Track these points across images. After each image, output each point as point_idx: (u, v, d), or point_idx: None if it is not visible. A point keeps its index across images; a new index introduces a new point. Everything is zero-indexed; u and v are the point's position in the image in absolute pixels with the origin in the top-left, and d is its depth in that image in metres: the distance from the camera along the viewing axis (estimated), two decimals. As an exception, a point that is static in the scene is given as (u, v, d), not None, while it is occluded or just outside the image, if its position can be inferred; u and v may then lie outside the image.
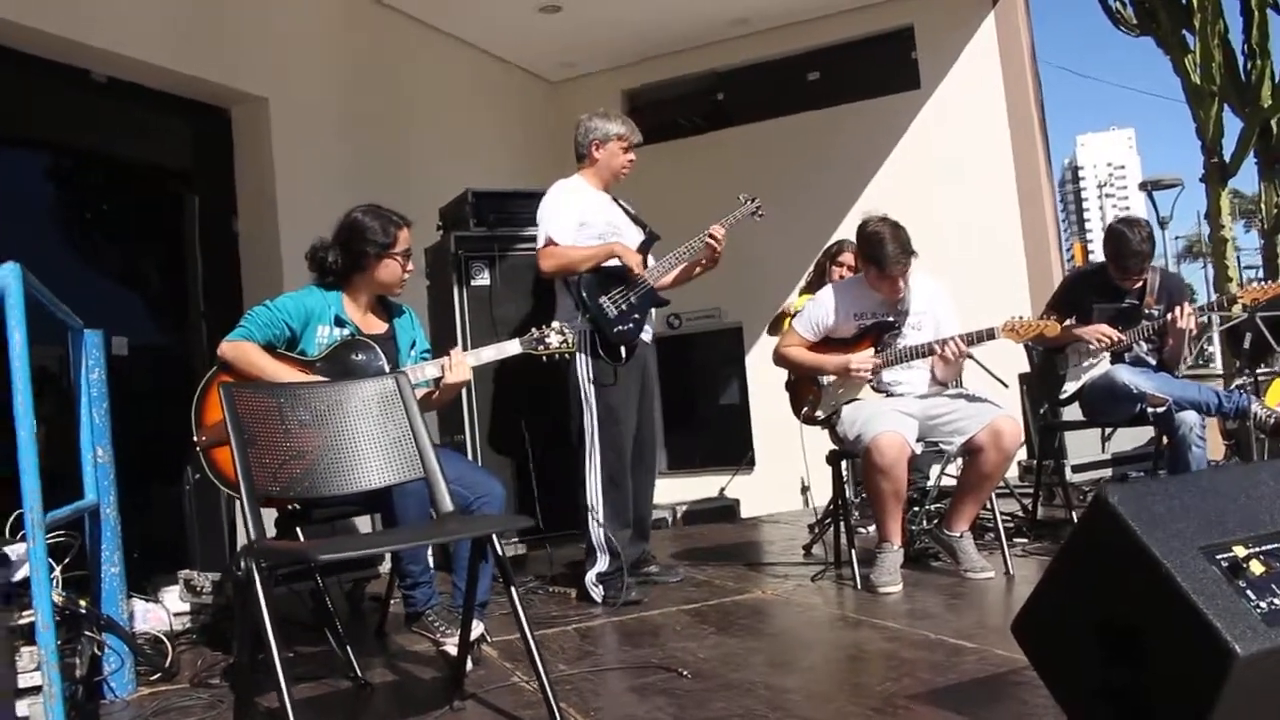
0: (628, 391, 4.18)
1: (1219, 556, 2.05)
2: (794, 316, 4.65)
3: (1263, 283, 4.25)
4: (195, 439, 3.20)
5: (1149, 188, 12.60)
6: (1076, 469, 5.66)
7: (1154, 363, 4.46)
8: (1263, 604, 1.98)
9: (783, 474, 7.88)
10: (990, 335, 4.02)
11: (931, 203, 8.13)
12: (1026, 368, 5.59)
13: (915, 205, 8.17)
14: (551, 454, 4.72)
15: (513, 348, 3.47)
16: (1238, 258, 9.75)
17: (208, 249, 6.57)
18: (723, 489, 8.47)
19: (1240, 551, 2.06)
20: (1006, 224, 8.20)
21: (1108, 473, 5.82)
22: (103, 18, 5.46)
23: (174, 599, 4.41)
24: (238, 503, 3.15)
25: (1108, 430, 5.53)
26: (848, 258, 5.77)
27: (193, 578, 4.25)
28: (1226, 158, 8.70)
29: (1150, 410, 4.12)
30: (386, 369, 3.37)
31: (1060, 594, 2.23)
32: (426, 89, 7.87)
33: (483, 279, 4.98)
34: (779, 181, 8.22)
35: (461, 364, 3.37)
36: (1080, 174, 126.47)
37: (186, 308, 6.51)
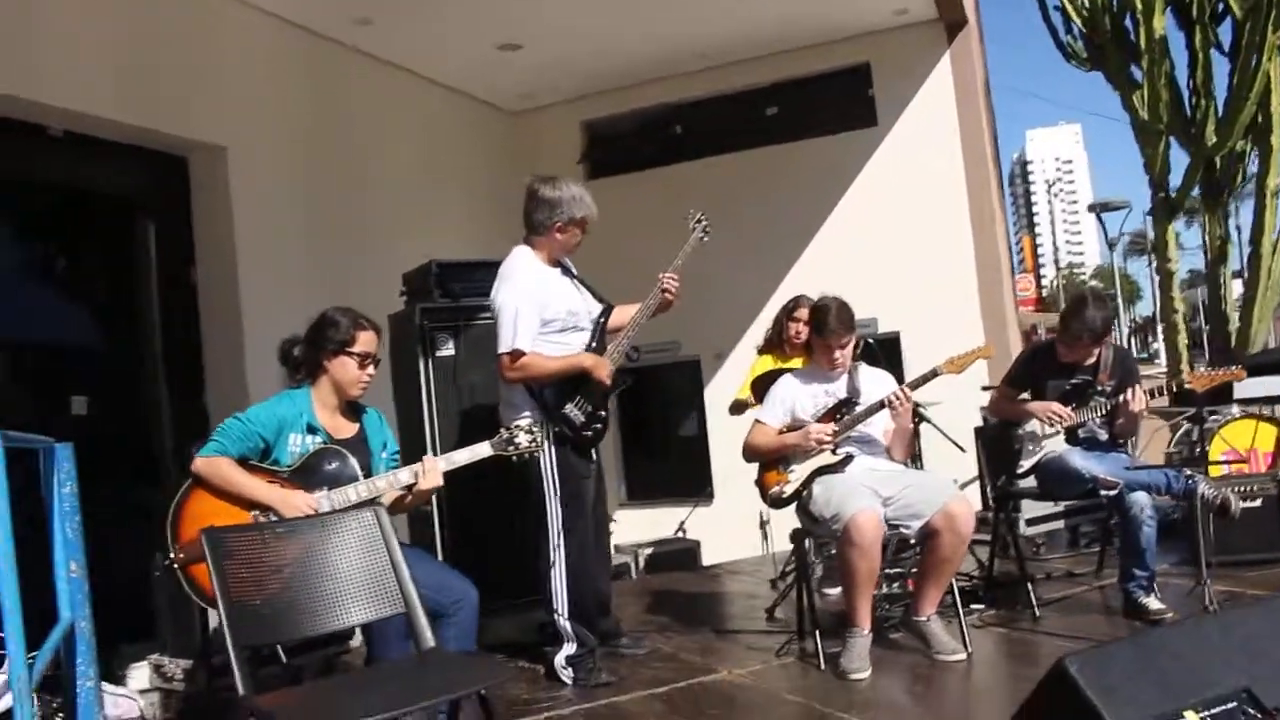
0: (591, 482, 4.24)
1: (1172, 722, 2.17)
2: (758, 401, 4.73)
3: (1210, 370, 4.40)
4: (171, 556, 3.22)
5: (1098, 210, 12.89)
6: (1030, 522, 5.82)
7: (1105, 436, 4.61)
8: (1213, 773, 2.10)
9: (741, 507, 7.97)
10: (934, 374, 4.23)
11: (887, 238, 8.26)
12: (981, 422, 5.73)
13: (871, 240, 8.33)
14: (504, 520, 4.75)
15: (484, 450, 3.53)
16: (1180, 282, 10.00)
17: (166, 300, 6.50)
18: (683, 522, 8.55)
19: (1191, 718, 2.18)
20: (960, 259, 8.32)
21: (1060, 524, 5.99)
22: (56, 73, 5.39)
23: (141, 679, 4.43)
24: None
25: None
26: (803, 313, 5.85)
27: (163, 664, 4.27)
28: (1173, 192, 8.93)
29: (1102, 492, 4.26)
30: (360, 476, 3.41)
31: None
32: (386, 126, 7.84)
33: (447, 349, 5.02)
34: (736, 215, 8.26)
35: (434, 470, 3.42)
36: (1029, 168, 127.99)
37: (143, 362, 6.45)
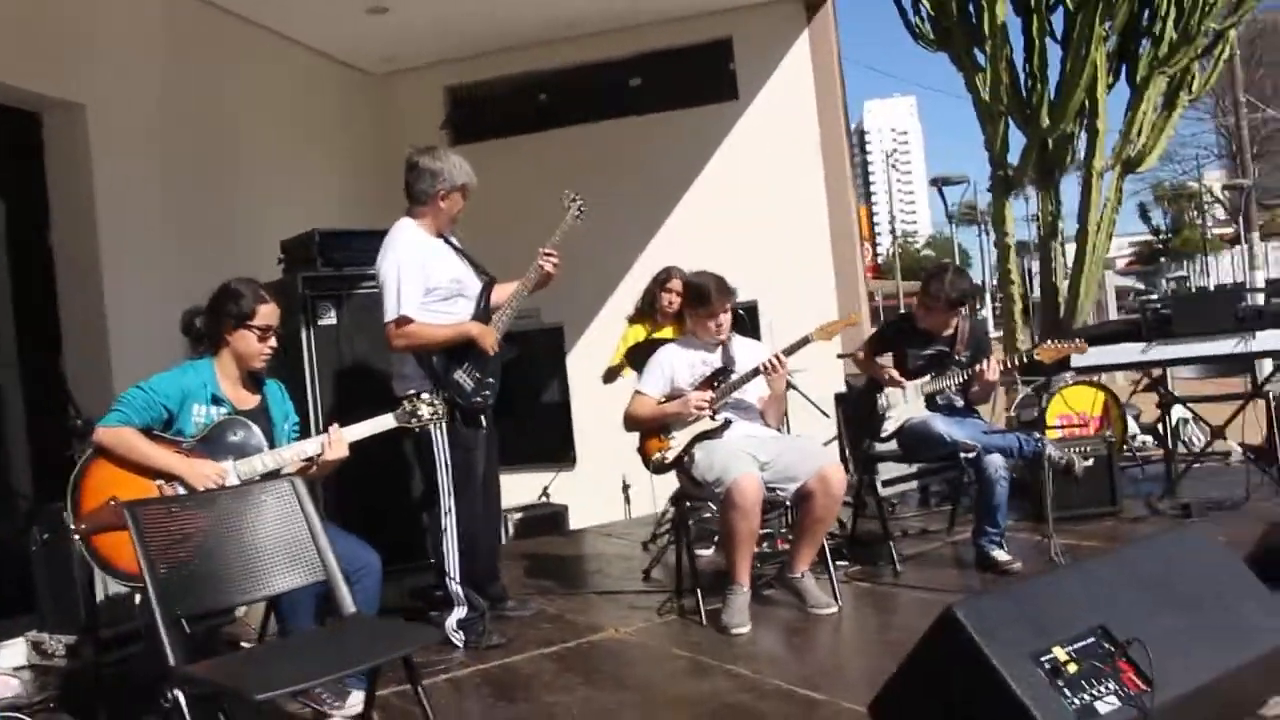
0: (480, 450, 4.34)
1: (1042, 659, 2.44)
2: (634, 369, 4.90)
3: (1056, 343, 4.79)
4: (73, 527, 3.18)
5: (939, 184, 13.62)
6: (886, 483, 6.18)
7: (961, 403, 4.98)
8: (1076, 700, 2.39)
9: (603, 474, 8.17)
10: (806, 340, 4.52)
11: (745, 209, 8.53)
12: (843, 389, 6.05)
13: (730, 211, 8.59)
14: (387, 486, 4.82)
15: (387, 422, 3.59)
16: (1017, 251, 10.57)
17: (18, 263, 6.24)
18: (546, 487, 8.69)
19: (1059, 654, 2.46)
20: (816, 230, 8.68)
21: (914, 485, 6.39)
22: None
23: (16, 656, 4.32)
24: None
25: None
26: (675, 284, 6.05)
27: (42, 640, 4.18)
28: (1009, 171, 9.45)
29: (962, 455, 4.61)
30: (265, 446, 3.44)
31: (912, 687, 2.59)
32: (248, 87, 7.66)
33: (329, 318, 5.01)
34: (600, 184, 8.33)
35: (340, 441, 3.47)
36: (867, 139, 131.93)
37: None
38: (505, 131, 9.26)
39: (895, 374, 4.88)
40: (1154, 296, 12.76)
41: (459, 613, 4.23)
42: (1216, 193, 30.24)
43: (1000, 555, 4.75)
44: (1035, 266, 10.79)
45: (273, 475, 3.34)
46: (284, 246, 5.27)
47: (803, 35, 8.57)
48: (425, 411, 3.59)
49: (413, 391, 3.85)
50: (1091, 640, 2.52)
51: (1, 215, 6.21)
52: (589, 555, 6.24)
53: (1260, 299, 7.23)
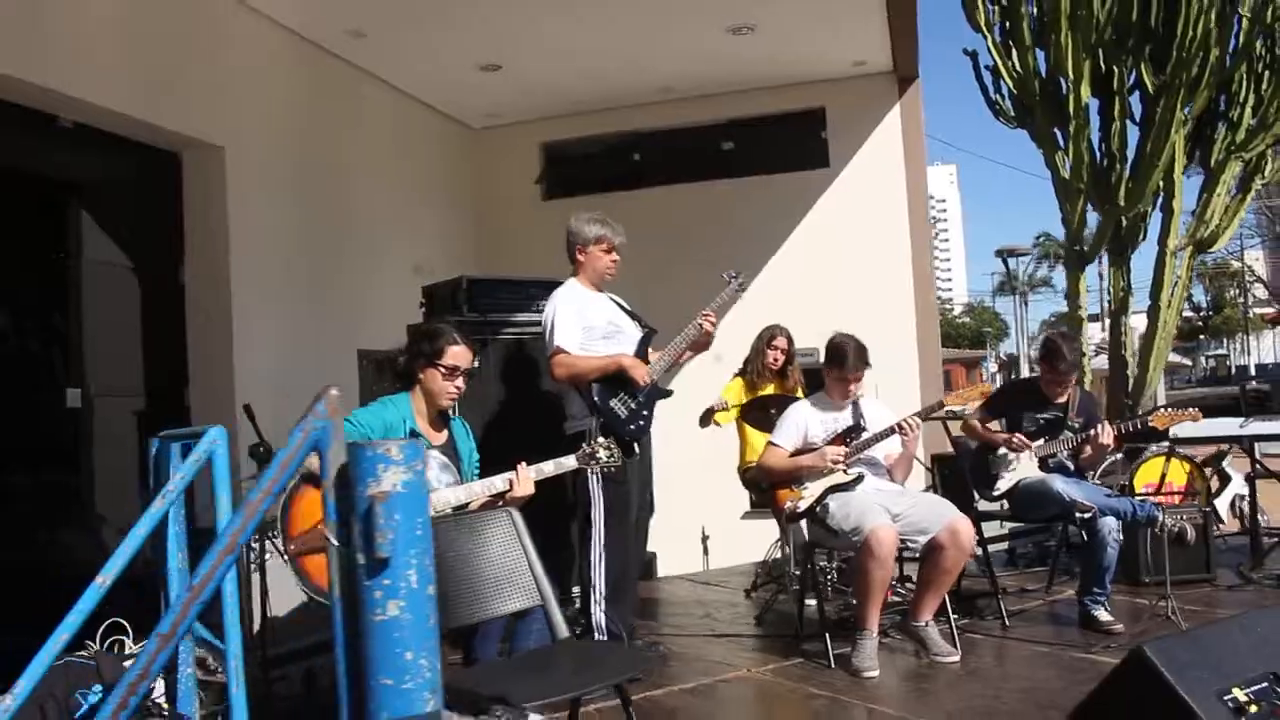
0: (632, 484, 4.60)
1: (1225, 698, 2.66)
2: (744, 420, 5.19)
3: (1169, 411, 5.02)
4: (285, 548, 3.44)
5: (1005, 255, 13.95)
6: (979, 543, 6.38)
7: (1073, 467, 5.20)
8: (1259, 740, 2.61)
9: (683, 523, 8.37)
10: (939, 405, 4.89)
11: (831, 272, 8.81)
12: (941, 450, 6.28)
13: (816, 274, 8.87)
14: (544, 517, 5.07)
15: (569, 463, 3.85)
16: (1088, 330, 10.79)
17: (151, 298, 6.55)
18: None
19: (1239, 694, 2.67)
20: (899, 296, 8.94)
21: (1006, 544, 6.59)
22: (68, 64, 5.43)
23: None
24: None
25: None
26: (781, 342, 6.33)
27: (205, 658, 4.41)
28: (1085, 247, 9.72)
29: (1078, 515, 4.82)
30: (459, 481, 3.70)
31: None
32: (364, 136, 8.06)
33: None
34: (687, 244, 8.75)
35: (527, 479, 3.72)
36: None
37: (129, 355, 6.48)
38: (598, 188, 9.57)
39: (1022, 439, 5.10)
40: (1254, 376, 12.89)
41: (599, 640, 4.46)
42: (1259, 271, 30.37)
43: (1103, 615, 4.93)
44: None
45: (461, 509, 3.59)
46: (426, 292, 5.58)
47: (894, 109, 8.91)
48: (603, 455, 3.85)
49: (582, 429, 4.14)
50: (1265, 685, 2.73)
51: (138, 250, 6.56)
52: (691, 601, 6.43)
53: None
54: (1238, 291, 34.50)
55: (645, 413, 4.60)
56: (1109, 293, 10.10)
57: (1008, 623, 5.08)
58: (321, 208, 7.34)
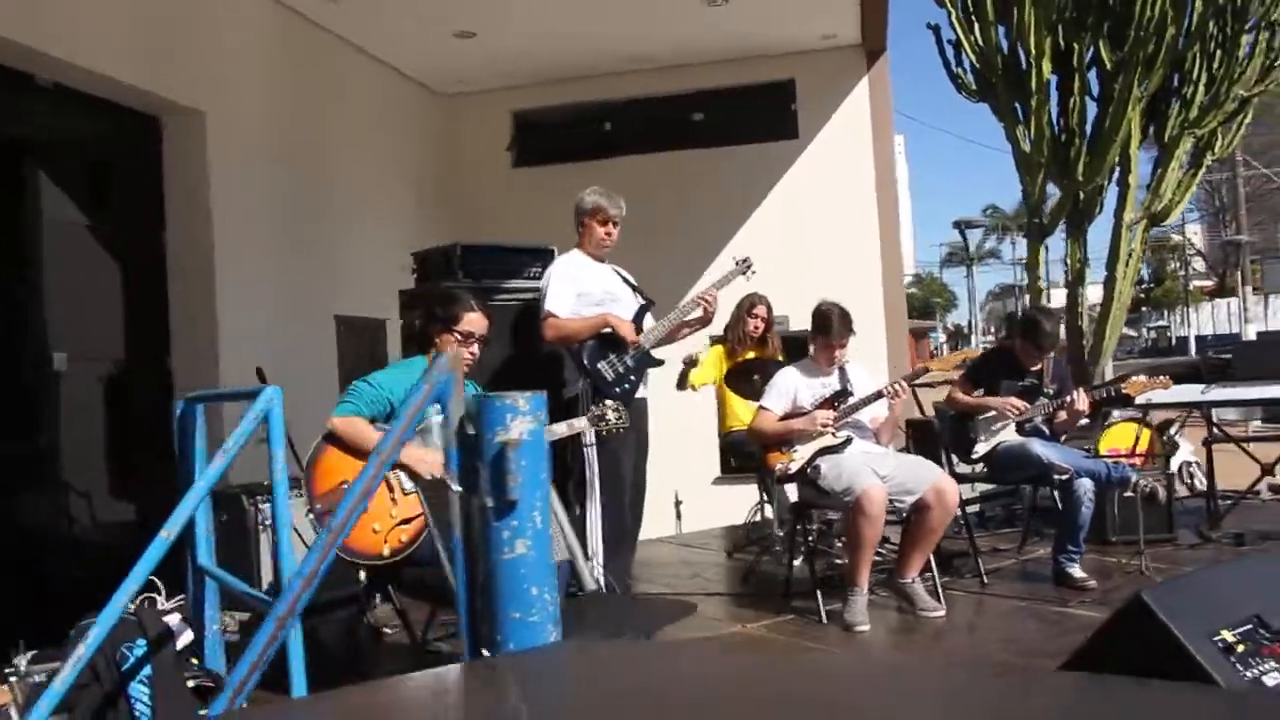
0: (625, 447, 4.73)
1: (1214, 639, 2.86)
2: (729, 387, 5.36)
3: (1144, 378, 5.25)
4: (310, 508, 3.53)
5: (962, 226, 14.21)
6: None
7: (1048, 431, 5.42)
8: (1248, 674, 2.81)
9: (656, 489, 8.52)
10: (924, 370, 5.13)
11: (800, 242, 8.97)
12: (916, 414, 6.49)
13: (785, 244, 9.01)
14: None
15: (581, 424, 3.99)
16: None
17: (132, 261, 6.53)
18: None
19: (1227, 635, 2.88)
20: (867, 265, 9.12)
21: (977, 507, 6.83)
22: (50, 24, 5.40)
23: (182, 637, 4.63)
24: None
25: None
26: (761, 310, 6.48)
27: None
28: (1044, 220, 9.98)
29: (1055, 476, 5.04)
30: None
31: (1102, 659, 3.00)
32: (342, 103, 8.05)
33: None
34: (658, 213, 8.83)
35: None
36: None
37: (110, 319, 6.47)
38: (568, 157, 9.61)
39: (1017, 402, 5.29)
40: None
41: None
42: (1198, 245, 31.15)
43: (1077, 572, 5.16)
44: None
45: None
46: (417, 257, 5.63)
47: (862, 82, 9.06)
48: (611, 418, 3.98)
49: (575, 394, 4.26)
50: (1249, 626, 2.94)
51: (119, 214, 6.54)
52: (677, 562, 6.59)
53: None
54: (1178, 265, 35.44)
55: (633, 377, 4.73)
56: (1065, 264, 10.38)
57: (985, 580, 5.29)
58: (300, 174, 7.35)
